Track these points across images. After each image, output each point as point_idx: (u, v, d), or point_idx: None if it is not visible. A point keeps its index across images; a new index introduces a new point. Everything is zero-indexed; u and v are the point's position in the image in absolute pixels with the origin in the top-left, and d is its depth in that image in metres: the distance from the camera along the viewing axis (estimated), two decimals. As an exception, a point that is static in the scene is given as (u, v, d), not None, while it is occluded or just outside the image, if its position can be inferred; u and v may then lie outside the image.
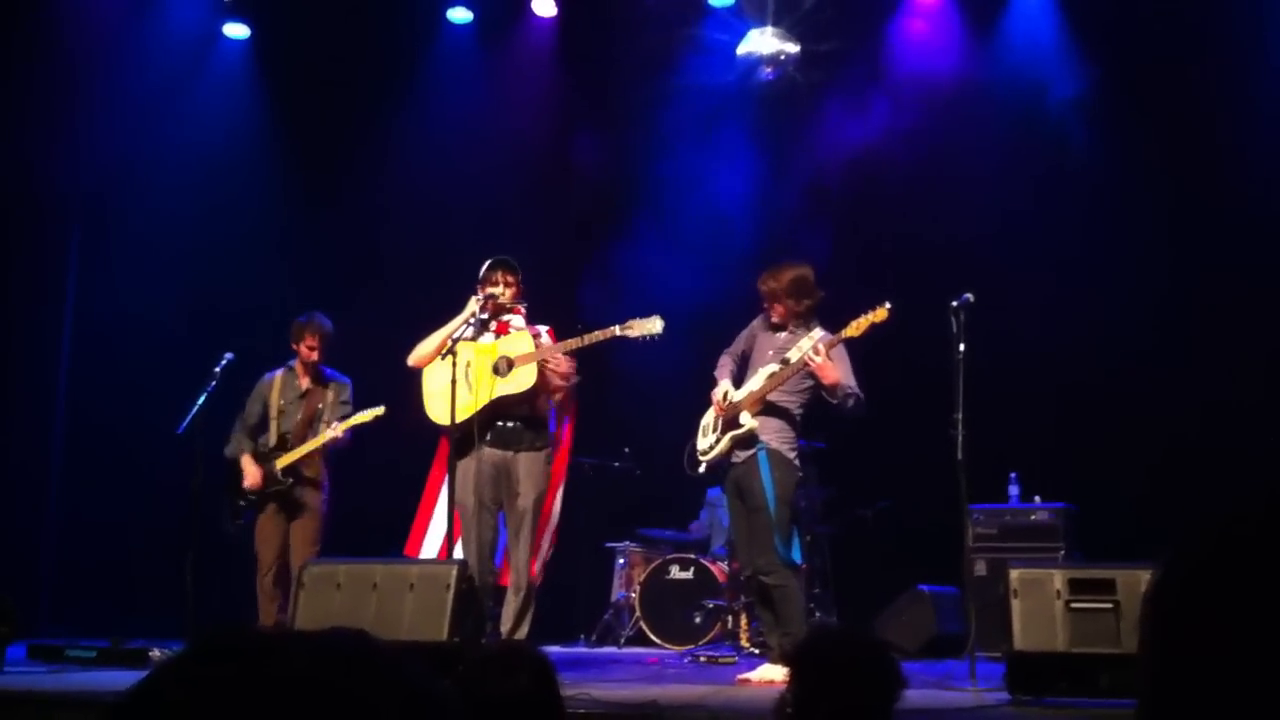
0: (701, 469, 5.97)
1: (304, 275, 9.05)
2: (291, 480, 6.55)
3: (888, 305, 5.49)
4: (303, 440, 6.60)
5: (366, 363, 6.96)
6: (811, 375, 5.60)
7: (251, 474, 6.58)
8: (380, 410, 6.48)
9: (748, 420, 5.65)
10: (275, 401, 6.72)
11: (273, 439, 6.67)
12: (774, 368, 5.69)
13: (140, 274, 9.24)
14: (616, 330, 5.85)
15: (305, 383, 6.76)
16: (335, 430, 6.48)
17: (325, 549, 6.54)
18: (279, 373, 6.80)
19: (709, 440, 5.87)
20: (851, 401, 5.58)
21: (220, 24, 9.57)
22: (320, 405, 6.71)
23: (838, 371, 5.53)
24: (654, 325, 5.83)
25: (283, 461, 6.55)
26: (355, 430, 6.58)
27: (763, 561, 5.59)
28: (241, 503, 6.62)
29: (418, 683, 0.81)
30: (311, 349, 6.67)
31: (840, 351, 5.62)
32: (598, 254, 8.78)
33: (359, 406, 6.66)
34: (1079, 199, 8.36)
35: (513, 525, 5.90)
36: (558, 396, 6.12)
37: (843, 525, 7.89)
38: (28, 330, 9.29)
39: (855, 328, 5.51)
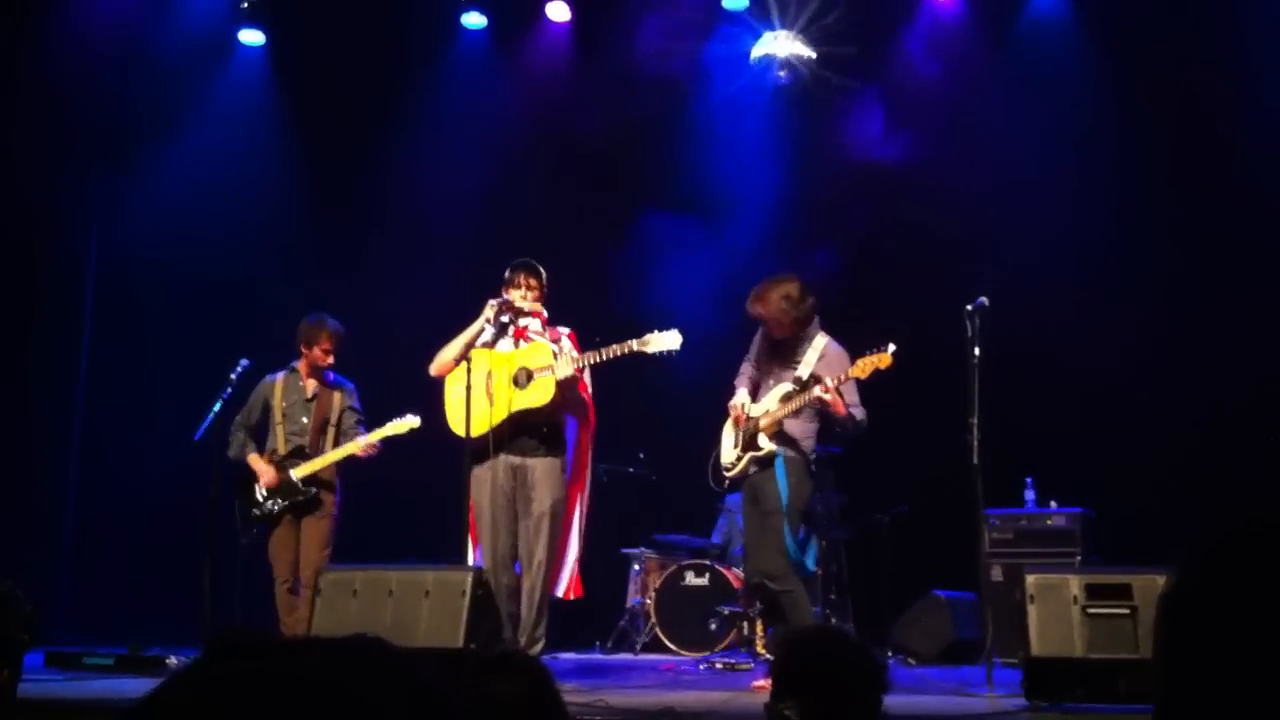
0: (725, 484, 6.02)
1: (320, 281, 9.08)
2: (314, 490, 6.43)
3: (891, 349, 5.45)
4: (318, 448, 6.49)
5: (383, 370, 6.96)
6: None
7: (265, 472, 6.43)
8: (415, 422, 6.31)
9: (766, 444, 5.72)
10: (279, 405, 6.57)
11: (280, 444, 6.53)
12: (787, 387, 5.74)
13: (156, 280, 9.28)
14: (634, 345, 5.81)
15: (311, 386, 6.60)
16: (368, 440, 6.36)
17: (336, 554, 6.45)
18: (280, 375, 6.65)
19: (731, 457, 5.90)
20: (852, 426, 5.65)
21: (236, 30, 9.61)
22: (329, 411, 6.58)
23: (845, 403, 5.57)
24: (672, 340, 5.78)
25: (302, 471, 6.42)
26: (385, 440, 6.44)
27: (771, 567, 5.61)
28: (256, 512, 6.45)
29: (427, 686, 0.81)
30: (327, 352, 6.55)
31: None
32: (612, 258, 8.78)
33: (367, 413, 6.63)
34: (1098, 202, 8.32)
35: (529, 532, 5.88)
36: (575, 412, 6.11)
37: (859, 531, 7.86)
38: (44, 335, 9.34)
39: (860, 369, 5.51)
